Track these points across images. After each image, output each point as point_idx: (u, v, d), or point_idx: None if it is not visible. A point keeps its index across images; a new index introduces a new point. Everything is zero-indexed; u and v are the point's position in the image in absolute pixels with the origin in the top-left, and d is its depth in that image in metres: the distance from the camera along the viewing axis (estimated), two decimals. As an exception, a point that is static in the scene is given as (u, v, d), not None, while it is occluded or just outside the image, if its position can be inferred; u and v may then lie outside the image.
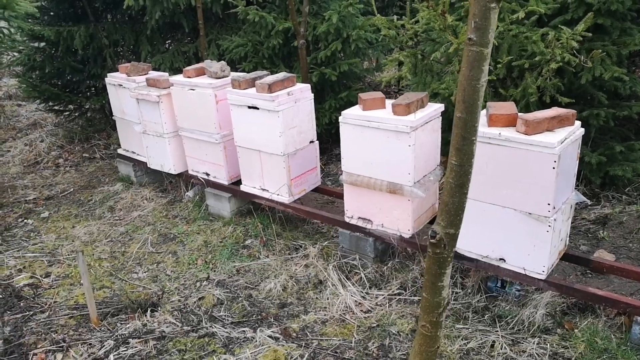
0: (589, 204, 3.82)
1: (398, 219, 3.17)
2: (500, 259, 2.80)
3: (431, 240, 1.63)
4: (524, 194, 2.59)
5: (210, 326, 2.90)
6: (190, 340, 2.80)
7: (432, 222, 3.42)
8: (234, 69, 4.96)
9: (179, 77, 4.17)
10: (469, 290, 3.02)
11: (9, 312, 3.09)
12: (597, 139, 3.90)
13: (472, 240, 2.86)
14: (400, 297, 3.06)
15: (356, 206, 3.36)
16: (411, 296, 3.06)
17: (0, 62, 7.72)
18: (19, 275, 3.50)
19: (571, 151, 2.62)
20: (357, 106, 3.25)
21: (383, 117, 3.01)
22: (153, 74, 4.65)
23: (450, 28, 3.45)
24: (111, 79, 4.79)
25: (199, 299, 3.18)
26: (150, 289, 3.29)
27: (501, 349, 2.59)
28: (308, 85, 3.74)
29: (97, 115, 6.54)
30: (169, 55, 5.77)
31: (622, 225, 3.60)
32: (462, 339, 2.68)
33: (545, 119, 2.54)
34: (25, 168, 5.66)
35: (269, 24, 4.94)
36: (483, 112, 2.83)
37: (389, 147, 3.03)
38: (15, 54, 6.23)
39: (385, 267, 3.32)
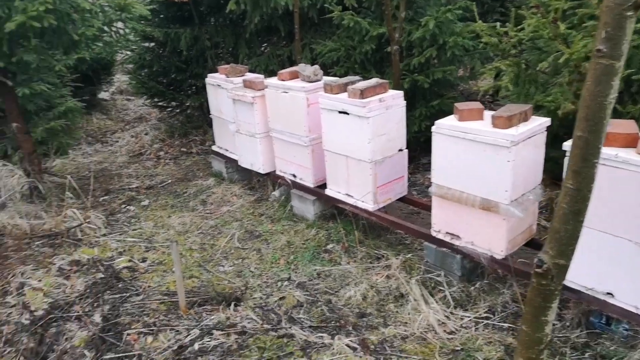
0: None
1: (490, 238, 2.99)
2: (608, 294, 2.53)
3: (537, 270, 1.50)
4: (641, 224, 2.31)
5: (290, 327, 2.93)
6: (270, 339, 2.85)
7: (528, 244, 3.18)
8: (325, 73, 4.99)
9: (273, 80, 4.28)
10: (568, 324, 2.77)
11: (109, 292, 3.36)
12: None
13: (576, 269, 2.58)
14: (488, 321, 2.88)
15: (444, 220, 3.23)
16: (500, 322, 2.87)
17: (115, 59, 8.50)
18: (120, 257, 3.79)
19: None
20: (452, 116, 3.12)
21: (481, 129, 2.86)
22: (249, 75, 4.83)
23: (561, 36, 3.19)
24: (211, 79, 5.05)
25: (280, 298, 3.23)
26: (234, 283, 3.40)
27: (602, 392, 2.33)
28: (401, 92, 3.66)
29: (195, 112, 6.94)
30: (264, 58, 5.97)
31: None
32: (556, 376, 2.46)
33: (674, 141, 2.25)
34: (130, 158, 6.16)
35: (363, 29, 4.91)
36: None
37: (485, 162, 2.86)
38: (129, 52, 6.81)
39: (472, 287, 3.14)
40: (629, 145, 2.39)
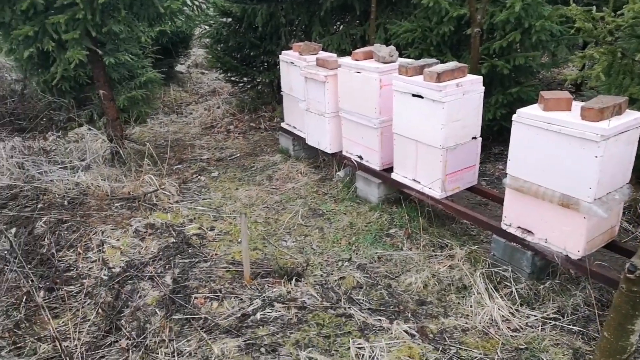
0: None
1: (567, 237, 2.83)
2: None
3: (628, 275, 1.39)
4: None
5: (349, 307, 2.96)
6: (329, 317, 2.89)
7: (607, 246, 2.98)
8: (399, 54, 4.88)
9: (346, 59, 4.24)
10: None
11: (179, 256, 3.55)
12: None
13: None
14: (557, 322, 2.74)
15: (517, 214, 3.09)
16: (570, 324, 2.73)
17: (193, 33, 8.79)
18: (190, 225, 3.98)
19: None
20: (536, 105, 2.94)
21: (568, 120, 2.68)
22: (323, 54, 4.81)
23: (670, 23, 2.90)
24: (285, 56, 5.09)
25: (340, 278, 3.26)
26: (296, 259, 3.48)
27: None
28: (480, 78, 3.50)
29: (266, 89, 7.06)
30: (337, 37, 5.92)
31: None
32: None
33: None
34: (203, 130, 6.40)
35: (442, 10, 4.73)
36: None
37: (569, 156, 2.69)
38: (207, 27, 7.01)
39: (541, 286, 3.00)
40: None
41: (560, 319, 2.76)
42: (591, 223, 2.72)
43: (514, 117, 2.93)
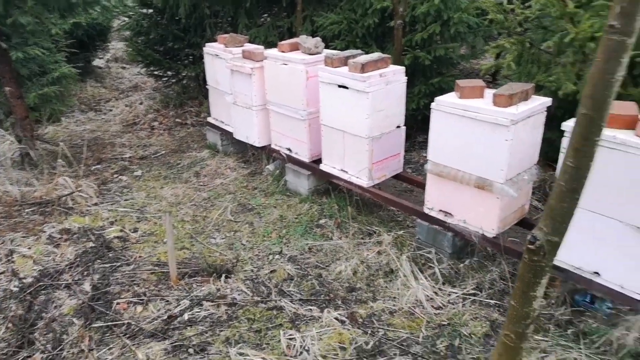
0: None
1: (483, 217, 2.98)
2: (595, 273, 2.54)
3: (529, 246, 1.48)
4: (636, 206, 2.30)
5: (279, 300, 2.94)
6: (260, 311, 2.86)
7: (519, 223, 3.18)
8: (326, 46, 4.89)
9: (273, 51, 4.19)
10: (553, 301, 2.79)
11: (99, 261, 3.34)
12: None
13: (565, 249, 2.59)
14: (476, 298, 2.89)
15: (438, 198, 3.21)
16: (487, 299, 2.88)
17: (111, 26, 8.32)
18: (111, 227, 3.77)
19: (702, 164, 2.27)
20: (452, 93, 3.07)
21: (481, 107, 2.81)
22: (249, 46, 4.73)
23: (569, 15, 3.12)
24: (209, 48, 4.95)
25: (271, 271, 3.23)
26: (226, 256, 3.40)
27: (584, 370, 2.36)
28: (402, 68, 3.59)
29: (191, 83, 6.83)
30: (264, 29, 5.85)
31: None
32: (540, 352, 2.49)
33: (674, 124, 2.22)
34: (124, 127, 6.08)
35: (367, 2, 4.81)
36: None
37: (483, 140, 2.83)
38: (125, 18, 6.65)
39: (461, 265, 3.15)
40: (628, 127, 2.36)
41: (478, 294, 2.92)
42: (504, 202, 2.89)
43: (433, 105, 3.03)
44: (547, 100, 2.92)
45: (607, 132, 2.33)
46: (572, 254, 2.59)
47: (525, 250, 1.51)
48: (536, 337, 2.59)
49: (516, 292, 1.58)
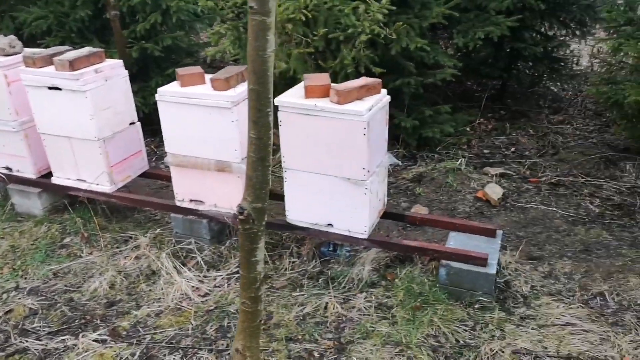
0: (401, 164, 4.22)
1: (230, 197, 3.11)
2: (329, 224, 2.94)
3: (240, 217, 1.60)
4: (341, 161, 2.72)
5: (21, 341, 2.53)
6: (-5, 364, 2.41)
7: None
8: (36, 45, 4.29)
9: (-46, 55, 3.44)
10: (305, 258, 3.13)
11: None
12: (411, 105, 4.29)
13: (301, 210, 2.94)
14: (239, 274, 3.03)
15: (186, 188, 3.21)
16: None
17: None
18: None
19: (380, 117, 2.81)
20: (175, 82, 3.06)
21: (203, 92, 2.88)
22: None
23: None
24: None
25: (6, 312, 2.74)
26: (-62, 313, 2.74)
27: (334, 308, 2.73)
28: (120, 61, 3.40)
29: None
30: (-55, 29, 4.75)
31: (434, 181, 4.06)
32: (298, 306, 2.77)
33: (354, 88, 2.68)
34: None
35: (73, -7, 4.36)
36: (301, 85, 2.87)
37: (212, 125, 2.92)
38: None
39: (223, 247, 3.25)
40: (324, 95, 2.73)
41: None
42: (241, 181, 3.06)
43: (157, 96, 2.97)
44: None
45: (308, 102, 2.67)
46: (308, 213, 2.93)
47: (238, 222, 1.63)
48: (294, 294, 2.87)
49: (242, 261, 1.70)
